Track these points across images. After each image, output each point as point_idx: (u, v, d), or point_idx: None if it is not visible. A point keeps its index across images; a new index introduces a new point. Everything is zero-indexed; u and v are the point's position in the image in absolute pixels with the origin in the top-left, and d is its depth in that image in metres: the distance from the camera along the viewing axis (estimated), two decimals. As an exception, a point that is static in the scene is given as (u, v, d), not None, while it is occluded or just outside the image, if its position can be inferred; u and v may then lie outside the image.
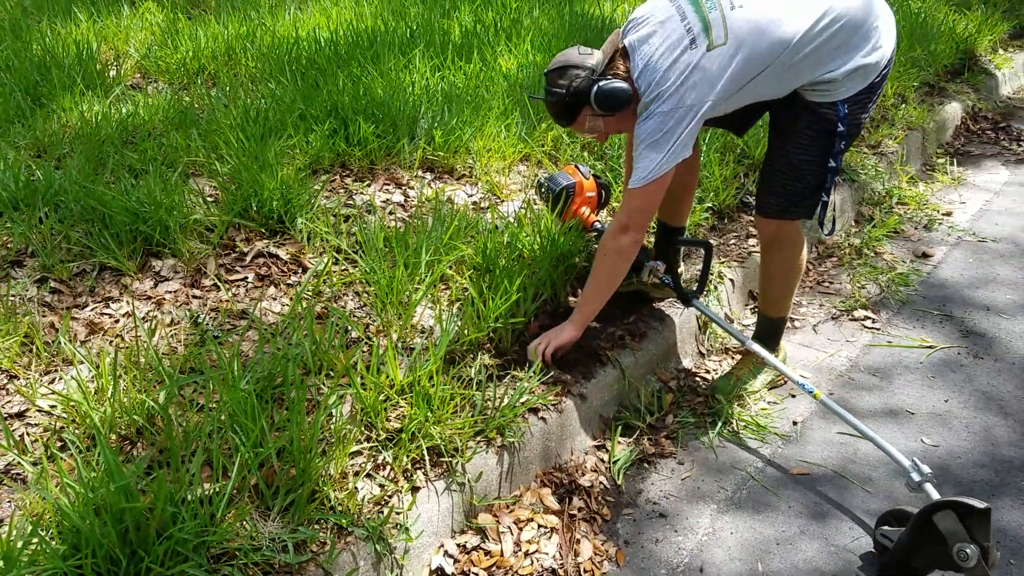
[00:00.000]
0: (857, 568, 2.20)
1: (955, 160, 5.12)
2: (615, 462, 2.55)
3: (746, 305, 3.50)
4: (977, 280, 3.72)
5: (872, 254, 3.95)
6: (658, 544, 2.29)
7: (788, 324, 3.38)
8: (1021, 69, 7.17)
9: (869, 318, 3.44)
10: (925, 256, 3.96)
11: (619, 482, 2.49)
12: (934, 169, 4.98)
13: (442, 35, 4.82)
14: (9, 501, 1.88)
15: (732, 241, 3.70)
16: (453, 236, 2.89)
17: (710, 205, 3.70)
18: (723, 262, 3.50)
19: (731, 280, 3.42)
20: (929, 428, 2.75)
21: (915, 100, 5.30)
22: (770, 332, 2.96)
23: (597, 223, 3.20)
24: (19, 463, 1.94)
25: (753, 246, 3.67)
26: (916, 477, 2.26)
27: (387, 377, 2.33)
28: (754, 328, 3.03)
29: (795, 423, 2.80)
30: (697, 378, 3.02)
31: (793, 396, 2.94)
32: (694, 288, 3.05)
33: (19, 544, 1.65)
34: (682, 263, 3.30)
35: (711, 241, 3.60)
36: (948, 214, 4.41)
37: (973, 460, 2.59)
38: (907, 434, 2.72)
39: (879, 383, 3.00)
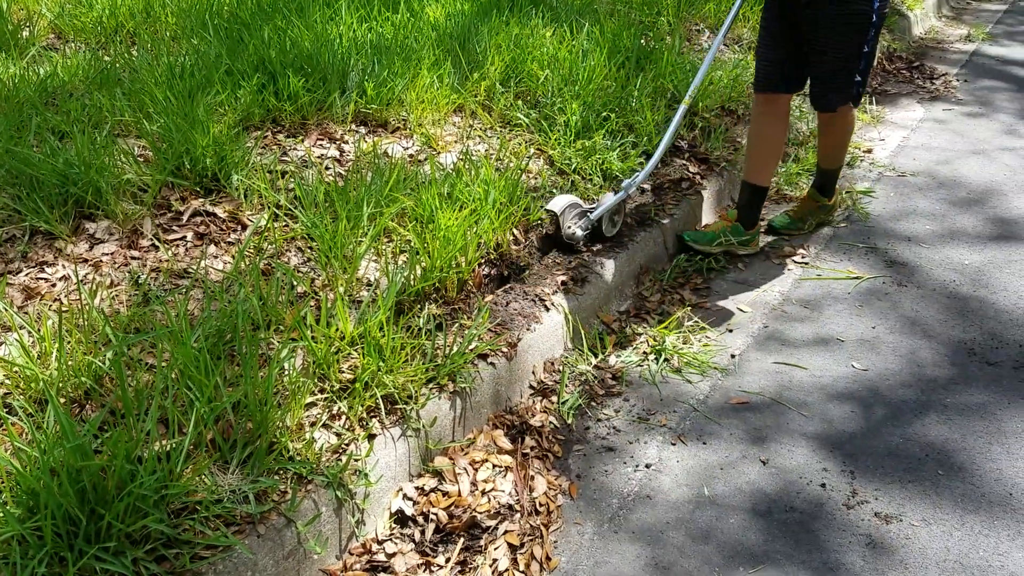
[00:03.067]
0: (797, 484, 2.32)
1: (874, 99, 5.29)
2: (564, 403, 2.62)
3: (716, 214, 3.59)
4: (898, 213, 3.88)
5: (797, 191, 4.08)
6: (608, 476, 2.38)
7: (722, 261, 3.50)
8: (931, 10, 7.41)
9: (798, 253, 3.57)
10: (848, 192, 4.10)
11: (569, 421, 2.56)
12: (860, 109, 5.12)
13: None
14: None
15: (666, 185, 3.78)
16: (393, 188, 2.89)
17: (643, 149, 3.76)
18: (658, 205, 3.57)
19: (671, 216, 3.51)
20: (859, 353, 2.89)
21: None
22: (827, 181, 3.67)
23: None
24: (-35, 431, 1.90)
25: (686, 188, 3.76)
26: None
27: (337, 329, 2.34)
28: (812, 180, 3.78)
29: (733, 356, 2.91)
30: (638, 318, 3.11)
31: (731, 331, 3.05)
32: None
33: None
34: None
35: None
36: (869, 151, 4.57)
37: (901, 381, 2.74)
38: (838, 360, 2.86)
39: (810, 314, 3.13)
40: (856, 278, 3.36)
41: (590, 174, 3.53)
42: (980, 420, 2.55)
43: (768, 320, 3.12)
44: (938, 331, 3.00)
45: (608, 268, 3.14)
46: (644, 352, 2.91)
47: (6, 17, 3.99)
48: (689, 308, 3.16)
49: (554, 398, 2.65)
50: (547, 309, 2.81)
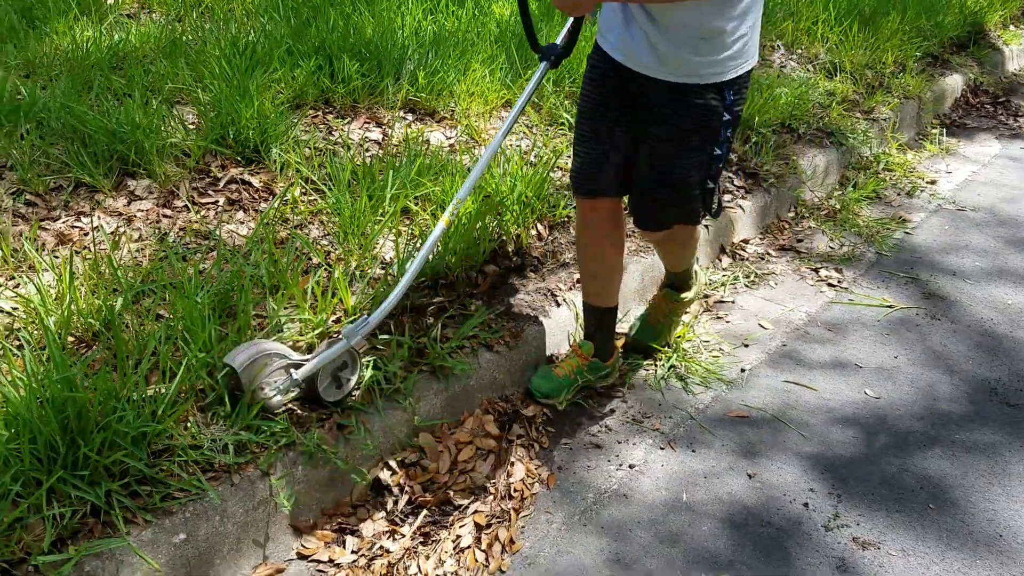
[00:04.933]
0: (779, 500, 2.28)
1: (949, 131, 5.11)
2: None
3: (716, 258, 3.55)
4: (948, 246, 3.75)
5: (850, 216, 3.99)
6: (589, 471, 2.39)
7: (753, 278, 3.45)
8: (1031, 45, 7.09)
9: (834, 276, 3.49)
10: (903, 221, 3.99)
11: (560, 410, 2.58)
12: (926, 139, 4.98)
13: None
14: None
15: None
16: (421, 173, 2.96)
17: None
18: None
19: (705, 226, 3.47)
20: (874, 381, 2.82)
21: (915, 69, 5.27)
22: (679, 280, 2.79)
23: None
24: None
25: (727, 201, 3.72)
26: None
27: (339, 301, 2.42)
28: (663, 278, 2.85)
29: (743, 370, 2.87)
30: (655, 324, 3.10)
31: (746, 346, 3.01)
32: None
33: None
34: None
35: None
36: (932, 182, 4.43)
37: (912, 412, 2.66)
38: (851, 385, 2.79)
39: (833, 337, 3.07)
40: (889, 306, 3.27)
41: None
42: (985, 459, 2.45)
43: (788, 339, 3.06)
44: (963, 367, 2.89)
45: (631, 271, 3.13)
46: (652, 356, 2.90)
47: (93, -16, 4.25)
48: (707, 319, 3.13)
49: (553, 392, 2.67)
50: (558, 304, 2.84)
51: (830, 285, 3.44)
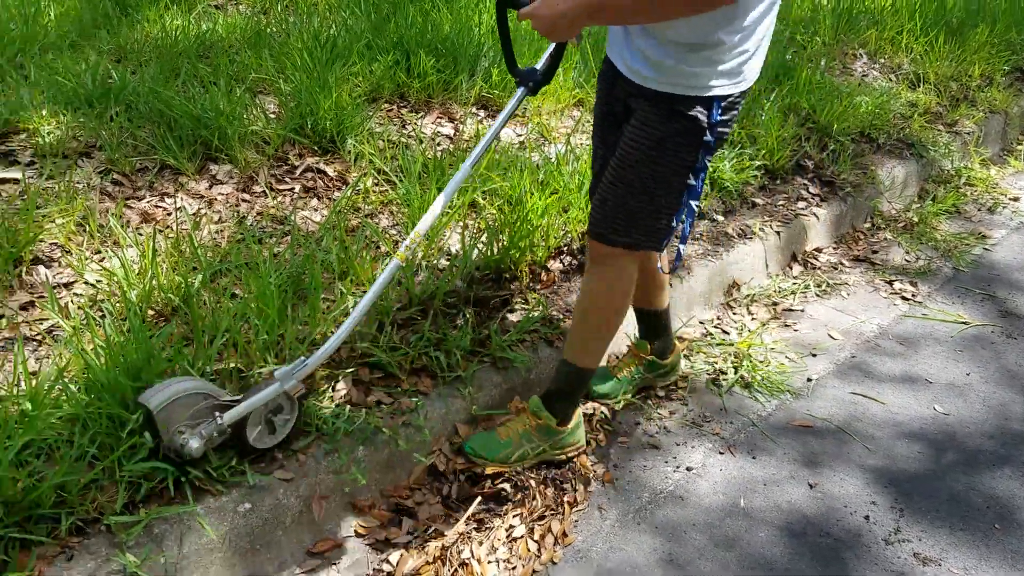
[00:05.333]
0: (840, 511, 2.24)
1: (1034, 146, 4.93)
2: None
3: (787, 266, 3.50)
4: (1031, 264, 3.63)
5: (927, 229, 3.88)
6: (646, 471, 2.38)
7: (824, 287, 3.39)
8: None
9: (909, 290, 3.40)
10: (982, 237, 3.86)
11: (618, 409, 2.58)
12: (1011, 154, 4.81)
13: (519, -20, 4.87)
14: (47, 357, 2.09)
15: (780, 202, 3.69)
16: (490, 168, 2.99)
17: (762, 163, 3.69)
18: (766, 221, 3.50)
19: (776, 233, 3.43)
20: (945, 398, 2.74)
21: (1002, 83, 5.11)
22: (569, 384, 2.27)
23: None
24: (60, 325, 2.15)
25: (801, 208, 3.67)
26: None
27: (406, 290, 2.47)
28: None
29: (809, 380, 2.82)
30: (719, 329, 3.07)
31: (814, 355, 2.96)
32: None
33: (46, 388, 1.85)
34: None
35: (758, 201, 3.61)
36: (1016, 199, 4.28)
37: (982, 431, 2.58)
38: (921, 401, 2.72)
39: (904, 351, 2.99)
40: (963, 323, 3.17)
41: (697, 181, 3.50)
42: (1059, 483, 2.37)
43: (858, 351, 3.00)
44: (1040, 388, 2.80)
45: (697, 274, 3.11)
46: (717, 363, 2.87)
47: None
48: (775, 326, 3.09)
49: (613, 390, 2.67)
50: (622, 303, 2.83)
51: (904, 298, 3.36)
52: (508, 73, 3.69)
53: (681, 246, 2.12)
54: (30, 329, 2.17)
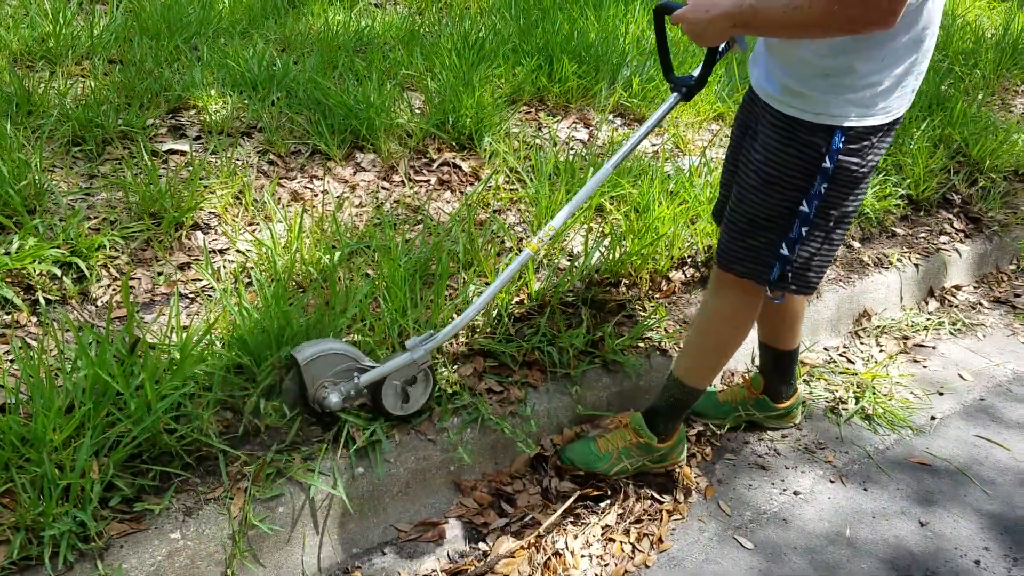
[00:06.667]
0: (949, 553, 2.16)
1: None
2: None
3: (922, 300, 3.37)
4: None
5: None
6: (751, 490, 2.36)
7: (959, 325, 3.25)
8: None
9: (1053, 337, 3.22)
10: None
11: (726, 425, 2.56)
12: None
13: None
14: (198, 314, 2.29)
15: (922, 235, 3.56)
16: (620, 174, 3.03)
17: (905, 192, 3.57)
18: (905, 252, 3.38)
19: (915, 265, 3.32)
20: (1081, 453, 2.58)
21: None
22: (674, 401, 2.26)
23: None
24: (212, 287, 2.35)
25: (944, 243, 3.52)
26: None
27: (524, 284, 2.54)
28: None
29: (933, 418, 2.72)
30: (843, 357, 2.99)
31: (941, 394, 2.85)
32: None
33: (194, 340, 2.03)
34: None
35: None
36: None
37: (1120, 493, 2.42)
38: (1053, 453, 2.58)
39: (1040, 400, 2.84)
40: (1113, 377, 2.97)
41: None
42: None
43: (987, 393, 2.86)
44: None
45: (826, 300, 3.05)
46: (838, 391, 2.81)
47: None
48: (904, 360, 2.98)
49: (724, 406, 2.66)
50: (741, 320, 2.81)
51: (1046, 345, 3.18)
52: (655, 81, 3.73)
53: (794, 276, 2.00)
54: (185, 287, 2.38)
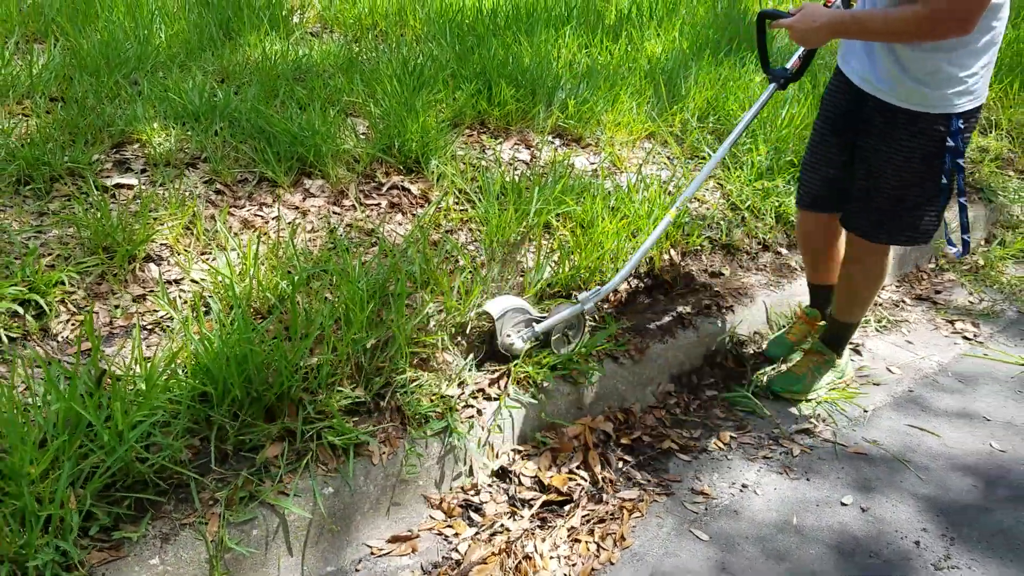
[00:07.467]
0: (890, 535, 2.31)
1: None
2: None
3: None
4: (1098, 311, 3.63)
5: (993, 273, 3.91)
6: (703, 485, 2.48)
7: (885, 323, 3.45)
8: None
9: (970, 330, 3.44)
10: (1050, 282, 3.88)
11: (685, 419, 2.69)
12: (1085, 201, 4.79)
13: (595, 16, 5.07)
14: (157, 345, 2.31)
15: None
16: (564, 192, 3.15)
17: None
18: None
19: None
20: (1001, 435, 2.78)
21: (1078, 129, 5.09)
22: (836, 336, 2.95)
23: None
24: (170, 317, 2.37)
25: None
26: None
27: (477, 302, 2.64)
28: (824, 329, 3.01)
29: (866, 410, 2.89)
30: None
31: (875, 385, 3.03)
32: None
33: (159, 371, 2.05)
34: None
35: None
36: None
37: (1038, 470, 2.63)
38: (977, 436, 2.77)
39: (962, 388, 3.04)
40: (1025, 364, 3.21)
41: (763, 213, 3.61)
42: (1115, 523, 2.40)
43: (916, 385, 3.06)
44: (1101, 431, 2.82)
45: (758, 303, 3.21)
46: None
47: (283, 3, 4.70)
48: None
49: (675, 408, 2.79)
50: (684, 327, 2.96)
51: (965, 338, 3.40)
52: (589, 103, 3.87)
53: (965, 236, 2.51)
54: (143, 319, 2.39)
